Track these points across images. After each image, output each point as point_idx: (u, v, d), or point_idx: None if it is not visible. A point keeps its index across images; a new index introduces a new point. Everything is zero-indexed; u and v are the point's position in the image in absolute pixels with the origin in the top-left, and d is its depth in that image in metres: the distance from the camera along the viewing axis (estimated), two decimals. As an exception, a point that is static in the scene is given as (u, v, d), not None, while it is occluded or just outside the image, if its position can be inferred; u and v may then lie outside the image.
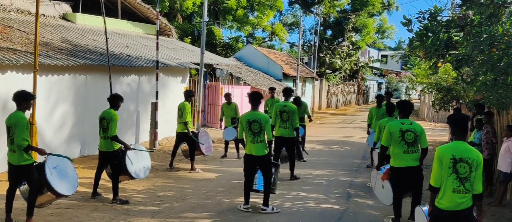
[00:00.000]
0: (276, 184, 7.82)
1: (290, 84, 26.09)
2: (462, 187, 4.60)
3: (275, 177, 7.70)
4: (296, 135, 9.76)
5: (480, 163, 4.62)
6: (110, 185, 7.79)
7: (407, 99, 12.90)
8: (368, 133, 11.70)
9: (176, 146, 10.63)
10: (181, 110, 10.27)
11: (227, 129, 12.14)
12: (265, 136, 7.35)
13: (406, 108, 6.92)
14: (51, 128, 10.49)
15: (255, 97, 7.50)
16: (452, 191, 4.61)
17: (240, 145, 12.16)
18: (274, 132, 9.67)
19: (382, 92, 45.55)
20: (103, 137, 7.61)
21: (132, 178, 7.93)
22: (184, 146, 10.59)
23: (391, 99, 12.71)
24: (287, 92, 10.29)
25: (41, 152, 6.35)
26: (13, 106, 6.33)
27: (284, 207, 7.66)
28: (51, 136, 10.46)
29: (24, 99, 6.20)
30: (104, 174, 7.94)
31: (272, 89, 13.50)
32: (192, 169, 10.43)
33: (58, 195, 6.41)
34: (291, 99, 10.62)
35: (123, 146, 7.71)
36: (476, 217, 4.82)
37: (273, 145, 8.13)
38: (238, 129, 7.72)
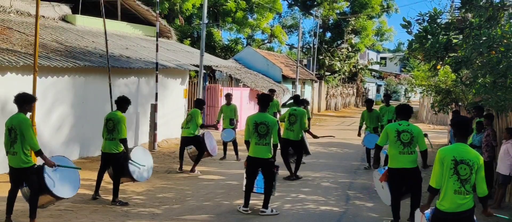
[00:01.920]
0: (275, 186, 7.82)
1: (289, 86, 26.15)
2: (463, 189, 4.63)
3: (274, 179, 7.70)
4: (303, 139, 10.17)
5: (480, 165, 4.66)
6: (110, 186, 7.79)
7: (406, 102, 13.08)
8: (359, 135, 12.21)
9: (182, 149, 10.62)
10: (190, 115, 10.39)
11: (225, 131, 12.13)
12: (271, 139, 7.37)
13: (405, 112, 6.96)
14: (50, 130, 10.48)
15: (263, 100, 7.56)
16: (453, 192, 4.65)
17: (239, 147, 12.26)
18: (281, 134, 10.07)
19: (381, 94, 45.55)
20: (107, 139, 7.59)
21: (134, 180, 7.93)
22: (191, 150, 10.58)
23: (390, 101, 12.79)
24: (297, 99, 10.95)
25: (49, 164, 6.16)
26: (12, 108, 6.33)
27: (283, 209, 7.66)
28: (50, 138, 10.45)
29: (26, 102, 6.20)
30: (105, 175, 7.92)
31: (272, 91, 13.60)
32: (192, 170, 10.44)
33: (57, 198, 6.40)
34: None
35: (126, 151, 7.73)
36: (486, 214, 4.92)
37: (278, 147, 8.24)
38: (244, 130, 7.71)
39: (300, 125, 9.99)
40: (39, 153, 6.07)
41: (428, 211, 5.07)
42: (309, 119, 12.63)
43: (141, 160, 7.92)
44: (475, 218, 4.95)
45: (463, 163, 4.63)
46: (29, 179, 6.12)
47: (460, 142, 4.79)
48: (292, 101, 11.66)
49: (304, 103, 11.15)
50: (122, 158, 7.60)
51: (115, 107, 8.11)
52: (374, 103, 12.35)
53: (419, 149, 6.75)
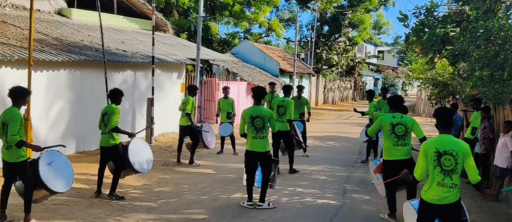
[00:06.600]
0: (275, 180, 7.81)
1: (287, 80, 26.11)
2: (447, 180, 4.60)
3: (274, 173, 7.69)
4: (290, 128, 9.90)
5: (466, 153, 4.61)
6: (108, 180, 7.74)
7: (403, 95, 13.09)
8: (355, 110, 12.24)
9: (180, 141, 10.67)
10: (185, 104, 10.44)
11: (223, 125, 12.10)
12: (268, 132, 7.35)
13: (396, 103, 6.96)
14: (46, 124, 10.44)
15: (258, 92, 7.48)
16: (437, 184, 4.65)
17: (236, 141, 12.25)
18: None
19: (379, 87, 45.60)
20: (104, 132, 7.57)
21: (136, 172, 7.88)
22: (187, 140, 10.65)
23: (387, 95, 12.70)
24: (287, 89, 10.64)
25: (36, 148, 6.26)
26: (8, 101, 6.28)
27: (280, 203, 7.65)
28: (47, 132, 10.41)
29: (20, 95, 6.14)
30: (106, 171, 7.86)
31: (272, 84, 13.60)
32: (191, 162, 10.47)
33: (52, 192, 6.36)
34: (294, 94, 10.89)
35: (128, 135, 7.77)
36: (485, 196, 4.99)
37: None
38: (239, 124, 7.67)
39: (289, 114, 9.82)
40: (20, 144, 5.96)
41: (416, 201, 5.08)
42: (309, 113, 12.61)
43: (141, 151, 7.89)
44: (465, 209, 4.96)
45: (447, 154, 4.60)
46: (23, 173, 6.08)
47: (443, 133, 4.77)
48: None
49: (290, 89, 10.82)
50: (120, 150, 7.57)
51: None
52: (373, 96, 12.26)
53: (418, 138, 6.71)
